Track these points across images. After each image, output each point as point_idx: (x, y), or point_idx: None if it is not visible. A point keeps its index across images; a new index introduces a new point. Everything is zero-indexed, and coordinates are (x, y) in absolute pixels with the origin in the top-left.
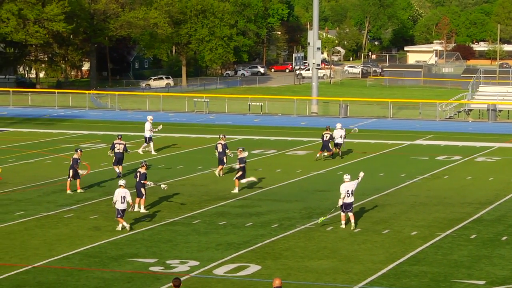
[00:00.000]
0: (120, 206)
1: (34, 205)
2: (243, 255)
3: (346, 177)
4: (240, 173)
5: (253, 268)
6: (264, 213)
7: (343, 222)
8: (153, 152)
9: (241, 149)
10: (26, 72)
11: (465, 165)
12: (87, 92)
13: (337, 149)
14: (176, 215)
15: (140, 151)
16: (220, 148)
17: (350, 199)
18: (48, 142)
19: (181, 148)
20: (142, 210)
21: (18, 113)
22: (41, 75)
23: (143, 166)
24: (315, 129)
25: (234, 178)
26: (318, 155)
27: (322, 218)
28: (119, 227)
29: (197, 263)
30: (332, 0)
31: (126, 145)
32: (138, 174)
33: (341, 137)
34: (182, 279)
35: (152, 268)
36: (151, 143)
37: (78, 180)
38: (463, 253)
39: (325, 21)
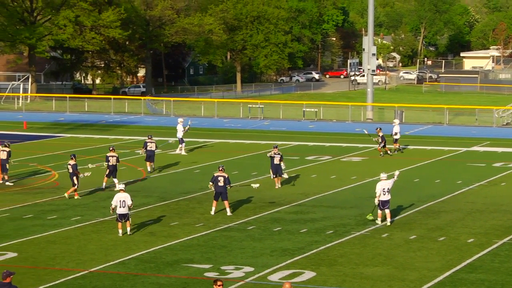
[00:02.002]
0: (119, 210)
1: (90, 210)
2: (298, 261)
3: (383, 175)
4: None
5: (308, 274)
6: (319, 219)
7: (379, 219)
8: (183, 153)
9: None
10: (82, 78)
11: None
12: (142, 98)
13: (396, 145)
14: (231, 221)
15: (183, 152)
16: (277, 161)
17: (386, 197)
18: (104, 148)
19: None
20: (229, 213)
21: (74, 119)
22: (97, 81)
23: (221, 170)
24: (369, 135)
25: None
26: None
27: (369, 215)
28: (120, 233)
29: (251, 269)
30: (387, 6)
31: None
32: (221, 179)
33: (395, 134)
34: (237, 285)
35: (207, 274)
36: (183, 144)
37: (74, 188)
38: None
39: (380, 27)
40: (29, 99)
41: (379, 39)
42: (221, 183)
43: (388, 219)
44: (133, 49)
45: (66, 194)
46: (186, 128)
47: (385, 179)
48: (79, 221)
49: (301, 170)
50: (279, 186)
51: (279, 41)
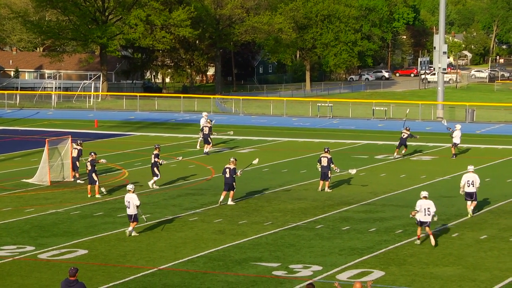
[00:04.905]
0: (127, 211)
1: (160, 208)
2: (367, 260)
3: (470, 167)
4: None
5: (377, 274)
6: (388, 218)
7: (469, 209)
8: (198, 147)
9: None
10: (152, 77)
11: None
12: (212, 96)
13: (455, 148)
14: (299, 219)
15: (210, 148)
16: (324, 162)
17: (471, 189)
18: (174, 146)
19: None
20: (230, 202)
21: (144, 117)
22: (167, 80)
23: (232, 162)
24: (440, 134)
25: None
26: (395, 154)
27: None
28: (128, 232)
29: (320, 268)
30: (459, 4)
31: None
32: (227, 170)
33: (457, 137)
34: (304, 284)
35: (275, 272)
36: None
37: (96, 186)
38: None
39: (451, 25)
40: (100, 97)
41: (450, 37)
42: (227, 175)
43: (471, 208)
44: (202, 48)
45: (96, 195)
46: (213, 122)
47: (472, 171)
48: (149, 218)
49: (370, 169)
50: (326, 189)
51: (349, 40)
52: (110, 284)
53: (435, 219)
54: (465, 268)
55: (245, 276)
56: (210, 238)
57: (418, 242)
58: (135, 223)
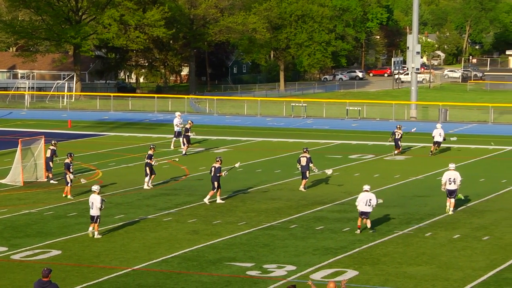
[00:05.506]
0: (90, 212)
1: (134, 208)
2: (341, 260)
3: (451, 165)
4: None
5: (351, 273)
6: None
7: (448, 205)
8: (172, 147)
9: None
10: (126, 77)
11: None
12: (186, 97)
13: (436, 147)
14: (273, 219)
15: (172, 147)
16: (303, 162)
17: (452, 186)
18: (148, 146)
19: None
20: (218, 201)
21: (118, 117)
22: (141, 80)
23: (218, 161)
24: (414, 134)
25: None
26: (395, 152)
27: (458, 195)
28: (90, 233)
29: (294, 267)
30: (432, 4)
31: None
32: (212, 168)
33: (440, 135)
34: (279, 283)
35: (249, 272)
36: (180, 138)
37: (68, 186)
38: None
39: (425, 25)
40: (73, 97)
41: (424, 37)
42: (212, 173)
43: (451, 208)
44: (177, 48)
45: (68, 196)
46: (185, 125)
47: (453, 169)
48: (123, 219)
49: (344, 169)
50: (301, 188)
51: (322, 40)
52: (84, 285)
53: (380, 201)
54: (438, 267)
55: (219, 276)
56: (184, 238)
57: (358, 231)
58: (96, 224)
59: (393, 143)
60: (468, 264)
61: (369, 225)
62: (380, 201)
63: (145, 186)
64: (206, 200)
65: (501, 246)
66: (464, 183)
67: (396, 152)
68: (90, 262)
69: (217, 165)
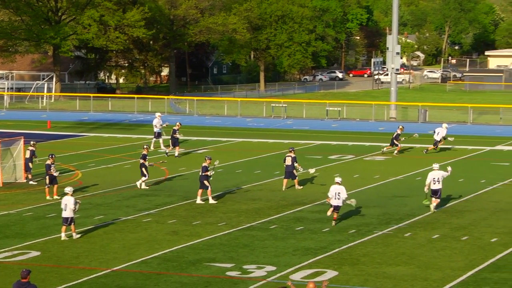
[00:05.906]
0: (63, 213)
1: (113, 209)
2: (320, 260)
3: (435, 165)
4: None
5: (330, 273)
6: (341, 218)
7: (433, 204)
8: (152, 148)
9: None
10: (106, 77)
11: None
12: (166, 97)
13: (434, 147)
14: (253, 220)
15: (152, 147)
16: (289, 161)
17: (437, 186)
18: (128, 147)
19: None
20: (211, 201)
21: (98, 118)
22: (121, 80)
23: (206, 159)
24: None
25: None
26: (395, 151)
27: (425, 200)
28: (62, 236)
29: (274, 268)
30: (411, 5)
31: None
32: (201, 168)
33: (437, 134)
34: (259, 284)
35: (229, 273)
36: (160, 139)
37: (55, 186)
38: None
39: (405, 26)
40: (53, 98)
41: (403, 38)
42: (200, 173)
43: (434, 205)
44: (157, 49)
45: (55, 196)
46: (165, 124)
47: (437, 169)
48: (102, 220)
49: (324, 169)
50: (297, 187)
51: (302, 40)
52: (63, 286)
53: (352, 202)
54: (417, 268)
55: (199, 277)
56: (164, 239)
57: (333, 223)
58: (73, 225)
59: (400, 145)
60: (447, 264)
61: (335, 217)
62: (353, 202)
63: (144, 186)
64: (198, 200)
65: (480, 246)
66: (444, 183)
67: (396, 152)
68: (69, 263)
69: (205, 164)
